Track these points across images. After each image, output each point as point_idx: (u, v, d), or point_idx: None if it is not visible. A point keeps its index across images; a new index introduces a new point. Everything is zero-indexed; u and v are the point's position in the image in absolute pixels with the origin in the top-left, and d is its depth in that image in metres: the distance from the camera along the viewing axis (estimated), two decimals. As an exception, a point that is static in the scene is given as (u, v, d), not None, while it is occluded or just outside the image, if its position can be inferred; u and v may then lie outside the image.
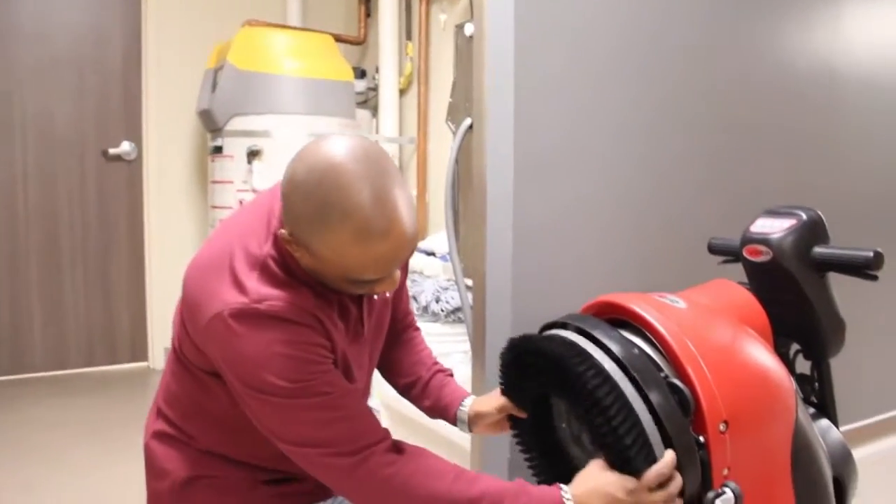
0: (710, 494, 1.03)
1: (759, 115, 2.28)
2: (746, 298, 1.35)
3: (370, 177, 0.98)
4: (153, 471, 1.26)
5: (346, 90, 3.69)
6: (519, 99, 1.76)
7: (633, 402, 1.02)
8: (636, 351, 1.08)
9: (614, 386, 1.03)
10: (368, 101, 4.12)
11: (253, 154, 3.44)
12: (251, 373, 1.05)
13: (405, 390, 1.45)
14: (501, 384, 1.29)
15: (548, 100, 1.83)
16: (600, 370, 1.05)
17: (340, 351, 1.15)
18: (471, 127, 1.82)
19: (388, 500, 1.07)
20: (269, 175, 3.39)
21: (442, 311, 2.69)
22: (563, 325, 1.18)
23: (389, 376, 1.47)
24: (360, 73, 4.08)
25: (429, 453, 1.12)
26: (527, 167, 1.79)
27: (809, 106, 2.43)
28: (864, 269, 1.32)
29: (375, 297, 1.25)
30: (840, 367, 1.48)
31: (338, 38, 3.94)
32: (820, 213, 1.41)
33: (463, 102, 2.01)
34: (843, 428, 1.45)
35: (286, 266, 1.09)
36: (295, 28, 3.89)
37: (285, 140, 3.44)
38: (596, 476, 1.07)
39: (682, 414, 1.04)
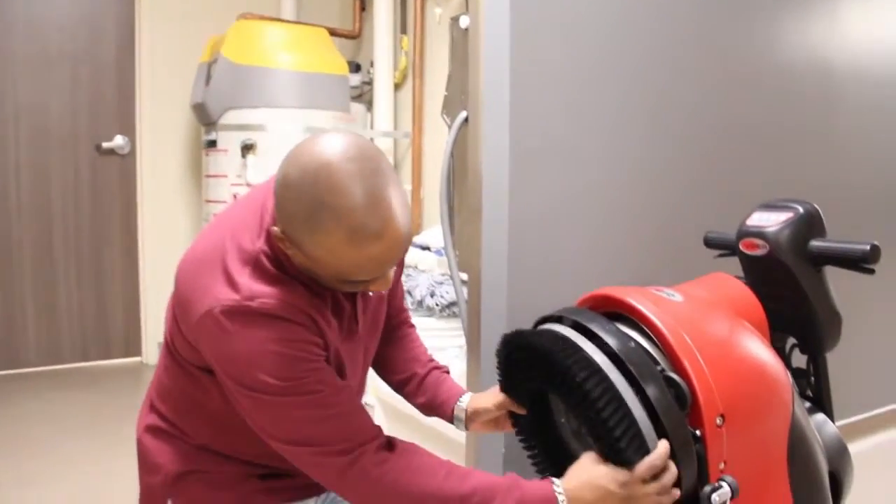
0: (707, 488, 1.02)
1: (755, 110, 2.28)
2: (743, 292, 1.34)
3: (363, 176, 0.97)
4: (146, 465, 1.26)
5: (340, 84, 3.67)
6: (515, 92, 1.75)
7: (624, 394, 1.02)
8: (632, 344, 1.07)
9: (603, 378, 1.02)
10: (363, 96, 4.11)
11: (247, 148, 3.43)
12: (242, 370, 1.04)
13: (399, 387, 1.44)
14: (500, 380, 1.29)
15: (544, 92, 1.82)
16: (589, 362, 1.04)
17: (333, 348, 1.14)
18: (466, 120, 1.81)
19: (381, 498, 1.07)
20: (264, 169, 3.38)
21: (437, 305, 2.69)
22: (559, 319, 1.18)
23: (384, 373, 1.46)
24: (355, 67, 4.07)
25: (420, 450, 1.11)
26: (523, 160, 1.78)
27: (806, 100, 2.42)
28: (860, 262, 1.32)
29: (371, 293, 1.25)
30: (836, 361, 1.47)
31: (332, 32, 3.92)
32: (817, 206, 1.41)
33: (458, 95, 1.99)
34: (838, 423, 1.45)
35: (278, 262, 1.08)
36: (289, 21, 3.88)
37: (279, 134, 3.43)
38: (588, 469, 1.06)
39: (679, 408, 1.03)
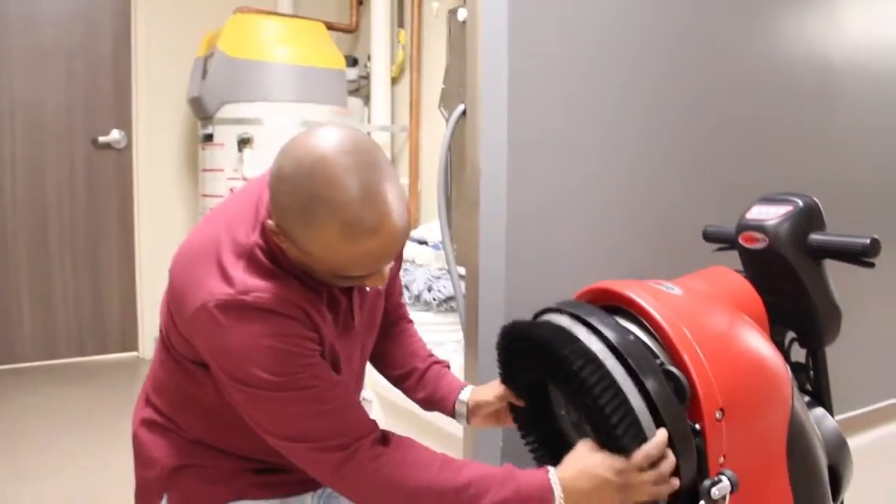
0: (707, 483, 1.02)
1: (753, 104, 2.27)
2: (743, 285, 1.33)
3: (359, 170, 0.96)
4: (141, 459, 1.25)
5: (337, 78, 3.66)
6: (513, 84, 1.75)
7: (621, 382, 1.01)
8: (631, 338, 1.07)
9: (600, 366, 1.02)
10: (360, 90, 4.09)
11: (243, 142, 3.42)
12: (236, 365, 1.03)
13: (399, 382, 1.43)
14: (500, 373, 1.28)
15: (542, 85, 1.81)
16: (585, 351, 1.04)
17: (328, 343, 1.13)
18: (464, 113, 1.80)
19: (376, 492, 1.06)
20: (260, 163, 3.37)
21: (434, 300, 2.68)
22: (558, 312, 1.17)
23: (382, 368, 1.45)
24: (352, 62, 4.06)
25: (415, 443, 1.11)
26: (521, 153, 1.77)
27: (805, 95, 2.42)
28: (860, 256, 1.31)
29: (368, 289, 1.24)
30: (835, 355, 1.47)
31: (329, 26, 3.91)
32: (816, 199, 1.40)
33: (456, 88, 1.98)
34: (838, 417, 1.44)
35: (273, 256, 1.07)
36: (286, 15, 3.86)
37: (276, 128, 3.42)
38: (584, 457, 1.05)
39: (678, 401, 1.03)
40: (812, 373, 1.45)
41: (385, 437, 1.09)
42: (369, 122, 3.96)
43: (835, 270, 1.41)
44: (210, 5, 3.95)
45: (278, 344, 1.03)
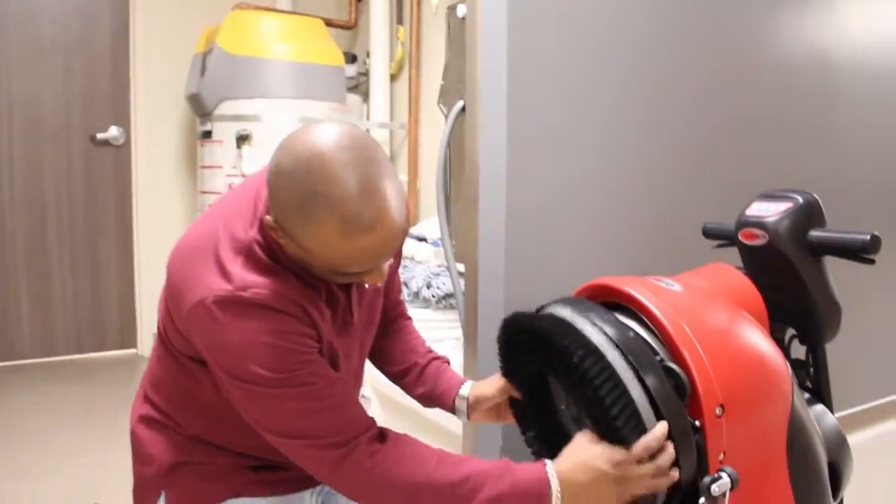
0: (707, 479, 1.01)
1: (753, 101, 2.27)
2: (743, 282, 1.33)
3: (358, 166, 0.95)
4: (139, 456, 1.24)
5: (336, 75, 3.65)
6: (512, 81, 1.74)
7: (622, 373, 1.00)
8: (631, 334, 1.06)
9: (600, 357, 1.01)
10: (359, 87, 4.08)
11: (242, 139, 3.41)
12: (234, 362, 1.03)
13: (398, 378, 1.43)
14: (500, 366, 1.28)
15: (542, 81, 1.80)
16: (586, 343, 1.03)
17: (326, 340, 1.13)
18: (463, 109, 1.80)
19: (374, 489, 1.06)
20: (259, 160, 3.36)
21: (433, 296, 2.67)
22: (558, 306, 1.17)
23: (382, 365, 1.44)
24: (351, 58, 4.05)
25: (412, 440, 1.10)
26: (520, 150, 1.77)
27: (804, 93, 2.42)
28: (861, 252, 1.31)
29: (367, 285, 1.23)
30: (835, 352, 1.47)
31: (328, 23, 3.90)
32: (816, 196, 1.39)
33: (455, 85, 1.98)
34: (837, 414, 1.44)
35: (271, 252, 1.06)
36: (285, 12, 3.85)
37: (275, 124, 3.41)
38: (582, 449, 1.05)
39: (678, 398, 1.02)
40: (812, 370, 1.44)
41: (382, 434, 1.09)
42: (368, 118, 3.95)
43: (834, 267, 1.41)
44: (209, 1, 3.94)
45: (276, 340, 1.02)
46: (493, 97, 1.72)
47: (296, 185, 0.96)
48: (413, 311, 2.69)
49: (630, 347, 1.03)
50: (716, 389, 1.04)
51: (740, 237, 1.41)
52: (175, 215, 4.07)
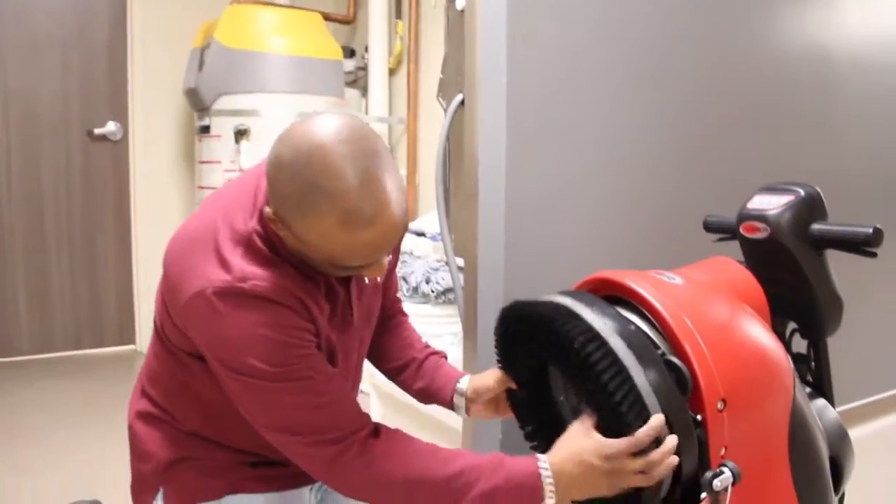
0: (709, 474, 1.00)
1: (753, 96, 2.26)
2: (744, 276, 1.32)
3: (358, 158, 0.95)
4: (136, 452, 1.24)
5: (334, 69, 3.64)
6: (511, 73, 1.73)
7: (625, 359, 0.99)
8: (632, 327, 1.06)
9: (603, 343, 1.00)
10: (358, 81, 4.07)
11: (240, 133, 3.40)
12: (233, 354, 1.02)
13: (396, 374, 1.41)
14: (497, 358, 1.26)
15: (541, 73, 1.79)
16: (588, 328, 1.02)
17: (325, 335, 1.12)
18: (462, 103, 1.79)
19: (369, 486, 1.06)
20: (257, 154, 3.35)
21: (432, 291, 2.67)
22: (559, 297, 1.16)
23: (378, 361, 1.43)
24: (350, 53, 4.03)
25: (406, 435, 1.10)
26: (520, 143, 1.76)
27: (804, 86, 2.41)
28: (863, 245, 1.30)
29: (367, 280, 1.22)
30: (836, 346, 1.46)
31: (327, 17, 3.89)
32: (818, 189, 1.39)
33: (454, 78, 1.97)
34: (839, 408, 1.43)
35: (271, 243, 1.06)
36: (283, 6, 3.83)
37: (273, 119, 3.40)
38: (574, 441, 1.04)
39: (680, 392, 1.02)
40: (813, 364, 1.44)
41: (376, 431, 1.09)
42: (367, 113, 3.94)
43: (835, 261, 1.40)
44: (206, -5, 3.93)
45: (275, 334, 1.01)
46: (492, 90, 1.71)
47: (296, 178, 0.95)
48: (412, 306, 2.70)
49: (631, 341, 1.02)
50: (717, 384, 1.03)
51: (742, 230, 1.40)
52: (173, 211, 4.06)
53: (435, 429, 2.08)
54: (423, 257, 2.84)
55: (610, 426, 1.01)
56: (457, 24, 1.93)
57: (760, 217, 1.36)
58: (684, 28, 2.06)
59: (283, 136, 0.99)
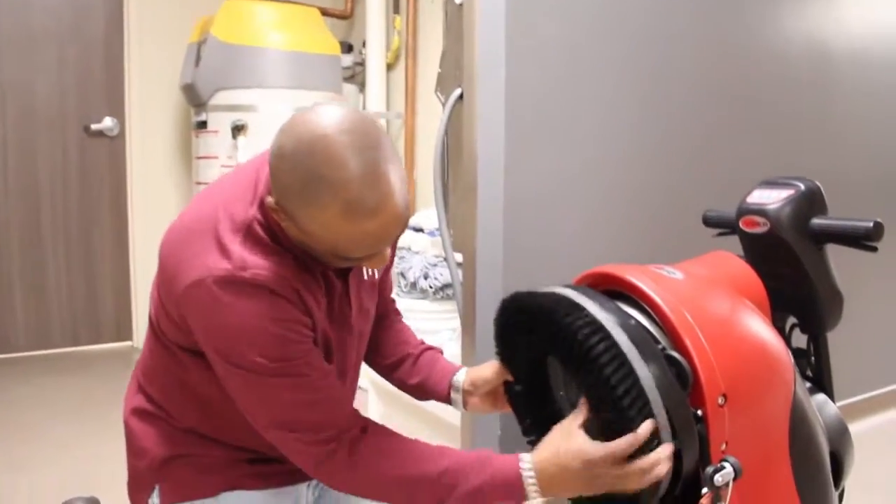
0: (710, 470, 1.00)
1: (752, 91, 2.26)
2: (744, 270, 1.31)
3: (361, 149, 0.94)
4: (132, 449, 1.23)
5: (332, 64, 3.63)
6: (510, 67, 1.72)
7: (628, 353, 0.98)
8: (632, 322, 1.05)
9: (606, 335, 0.99)
10: (355, 76, 4.06)
11: (238, 129, 3.39)
12: (231, 345, 1.02)
13: (390, 370, 1.40)
14: (497, 351, 1.26)
15: (540, 67, 1.79)
16: (591, 320, 1.01)
17: (321, 329, 1.11)
18: (461, 97, 1.78)
19: (355, 485, 1.08)
20: (255, 150, 3.33)
21: (430, 287, 2.66)
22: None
23: (374, 358, 1.41)
24: (347, 48, 4.02)
25: (393, 434, 1.10)
26: (519, 137, 1.75)
27: (803, 82, 2.41)
28: (863, 239, 1.29)
29: (365, 276, 1.22)
30: (836, 341, 1.46)
31: (324, 12, 3.88)
32: (818, 183, 1.38)
33: (453, 72, 1.96)
34: (839, 403, 1.43)
35: (272, 232, 1.05)
36: (280, 1, 3.81)
37: (271, 114, 3.39)
38: (555, 442, 1.05)
39: (681, 387, 1.01)
40: (813, 359, 1.43)
41: (365, 429, 1.09)
42: (364, 108, 3.93)
43: (835, 256, 1.40)
44: (203, -10, 3.91)
45: (275, 328, 1.01)
46: (491, 84, 1.71)
47: (298, 168, 0.94)
48: (410, 301, 2.69)
49: (632, 336, 1.01)
50: (718, 378, 1.03)
51: (741, 225, 1.39)
52: (170, 207, 4.04)
53: (434, 425, 2.07)
54: (421, 252, 2.83)
55: (611, 421, 1.01)
56: (455, 18, 1.93)
57: (760, 211, 1.35)
58: (684, 24, 2.05)
59: (286, 126, 0.98)
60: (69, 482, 2.52)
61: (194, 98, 3.54)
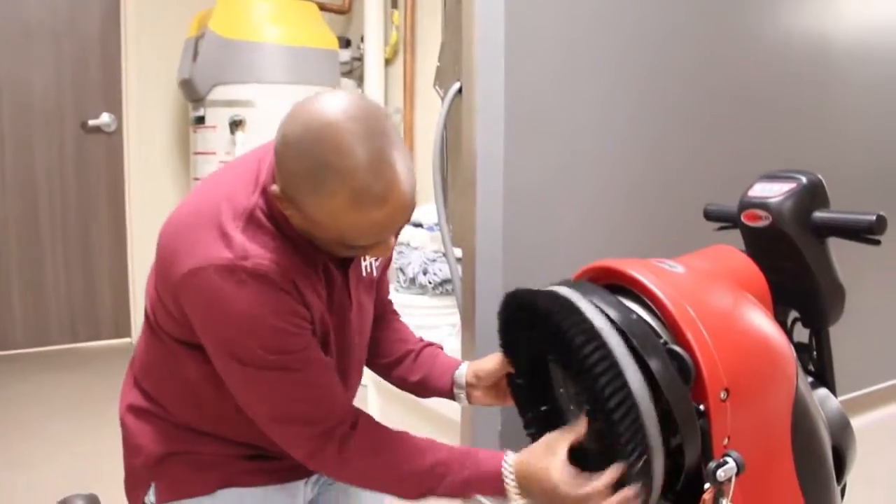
0: (712, 465, 0.99)
1: (751, 84, 2.25)
2: (746, 264, 1.31)
3: (368, 137, 0.93)
4: (128, 446, 1.22)
5: (330, 59, 3.62)
6: (509, 60, 1.71)
7: (621, 360, 0.97)
8: (634, 317, 1.04)
9: (602, 343, 0.99)
10: (353, 72, 4.05)
11: (236, 124, 3.38)
12: (230, 336, 1.01)
13: (390, 369, 1.39)
14: (500, 343, 1.25)
15: (540, 60, 1.78)
16: (588, 327, 1.00)
17: (320, 320, 1.10)
18: (459, 91, 1.77)
19: (348, 477, 1.10)
20: (253, 145, 3.32)
21: (429, 283, 2.65)
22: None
23: (372, 358, 1.39)
24: (345, 43, 4.00)
25: (383, 429, 1.11)
26: (518, 131, 1.74)
27: (802, 75, 2.40)
28: (866, 233, 1.29)
29: (364, 273, 1.21)
30: (838, 335, 1.45)
31: (322, 7, 3.86)
32: (820, 176, 1.37)
33: (451, 66, 1.95)
34: (841, 397, 1.42)
35: (274, 219, 1.04)
36: (278, -5, 3.80)
37: (268, 110, 3.37)
38: (537, 454, 1.07)
39: (683, 381, 1.00)
40: (815, 353, 1.43)
41: (355, 424, 1.09)
42: (363, 103, 3.91)
43: (836, 251, 1.39)
44: (200, -15, 3.89)
45: (275, 320, 1.00)
46: (490, 77, 1.70)
47: (305, 155, 0.93)
48: (409, 297, 2.68)
49: (633, 330, 1.01)
50: (720, 373, 1.02)
51: (743, 218, 1.39)
52: (168, 203, 4.02)
53: (435, 421, 2.06)
54: (420, 248, 2.82)
55: (603, 430, 1.00)
56: (454, 12, 1.91)
57: (762, 205, 1.34)
58: (683, 17, 2.04)
59: (292, 113, 0.98)
60: (68, 479, 2.51)
61: (192, 93, 3.53)
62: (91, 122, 3.91)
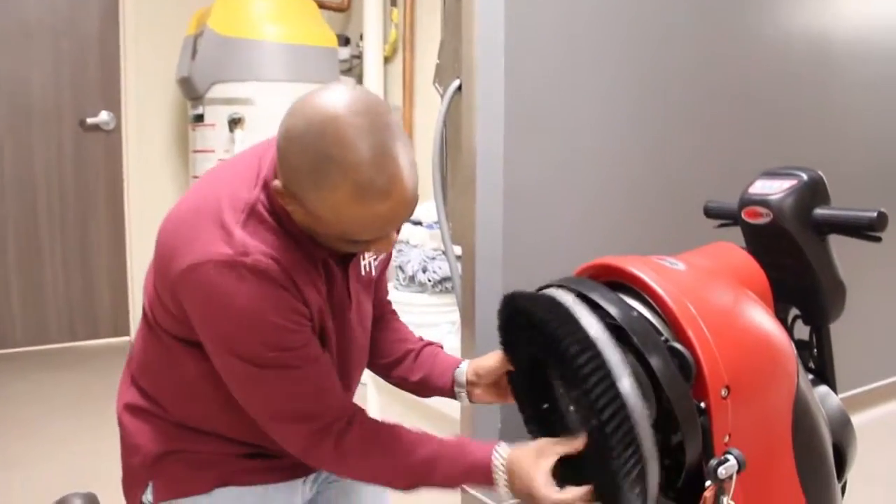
0: (713, 462, 0.99)
1: (751, 81, 2.24)
2: (747, 261, 1.30)
3: (372, 131, 0.93)
4: (125, 445, 1.22)
5: (329, 57, 3.61)
6: (509, 57, 1.71)
7: (615, 370, 0.96)
8: (635, 314, 1.03)
9: (596, 354, 0.98)
10: (353, 70, 4.04)
11: (234, 122, 3.37)
12: (231, 333, 1.01)
13: (390, 369, 1.38)
14: (501, 343, 1.25)
15: (539, 57, 1.77)
16: (583, 336, 0.99)
17: (319, 316, 1.10)
18: (459, 88, 1.76)
19: (343, 471, 1.12)
20: (252, 143, 3.32)
21: (429, 280, 2.65)
22: (560, 288, 1.13)
23: (373, 358, 1.38)
24: (344, 41, 4.00)
25: (379, 424, 1.12)
26: (518, 129, 1.74)
27: (802, 72, 2.40)
28: (867, 230, 1.28)
29: (363, 272, 1.21)
30: (839, 333, 1.45)
31: (321, 5, 3.86)
32: (821, 173, 1.37)
33: (451, 63, 1.95)
34: (841, 395, 1.42)
35: (275, 214, 1.04)
36: (277, -7, 3.79)
37: (267, 108, 3.37)
38: (528, 454, 1.07)
39: (683, 379, 1.00)
40: (816, 350, 1.42)
41: (352, 420, 1.09)
42: (362, 102, 3.90)
43: (837, 248, 1.39)
44: (199, -17, 3.88)
45: (274, 317, 1.00)
46: (489, 75, 1.69)
47: (308, 149, 0.93)
48: (409, 295, 2.68)
49: (634, 328, 1.00)
50: (721, 370, 1.02)
51: (744, 215, 1.38)
52: (167, 201, 4.01)
53: (435, 419, 2.06)
54: (419, 246, 2.82)
55: (599, 440, 0.99)
56: (454, 9, 1.91)
57: (762, 202, 1.34)
58: (683, 15, 2.04)
59: (295, 107, 0.97)
60: (66, 478, 2.51)
61: (191, 91, 3.52)
62: (90, 121, 3.90)
